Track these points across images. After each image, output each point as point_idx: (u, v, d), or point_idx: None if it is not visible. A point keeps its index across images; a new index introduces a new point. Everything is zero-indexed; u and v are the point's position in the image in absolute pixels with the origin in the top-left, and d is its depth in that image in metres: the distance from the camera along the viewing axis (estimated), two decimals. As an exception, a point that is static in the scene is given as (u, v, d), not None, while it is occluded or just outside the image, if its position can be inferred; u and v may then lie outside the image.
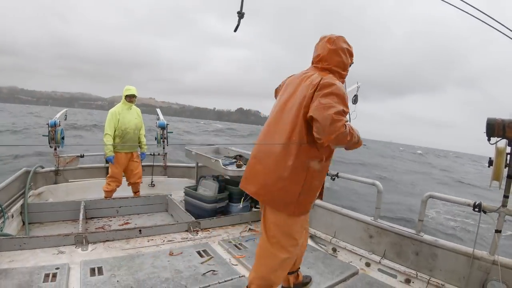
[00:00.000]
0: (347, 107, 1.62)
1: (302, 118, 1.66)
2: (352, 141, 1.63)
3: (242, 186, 1.92)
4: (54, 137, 4.18)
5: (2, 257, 2.44)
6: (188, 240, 3.09)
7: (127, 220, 3.79)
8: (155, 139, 5.13)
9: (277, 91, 2.14)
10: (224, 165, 3.63)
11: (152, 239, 3.04)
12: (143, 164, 4.63)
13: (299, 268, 2.22)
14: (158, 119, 5.11)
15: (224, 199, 3.83)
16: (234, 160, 3.94)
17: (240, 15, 1.58)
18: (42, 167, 4.32)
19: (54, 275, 2.20)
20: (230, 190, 3.90)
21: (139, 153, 4.50)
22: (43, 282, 2.11)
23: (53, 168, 4.37)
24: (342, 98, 1.61)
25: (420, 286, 2.43)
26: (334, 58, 1.79)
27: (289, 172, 1.66)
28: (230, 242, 3.07)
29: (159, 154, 5.09)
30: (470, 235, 8.25)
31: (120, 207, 3.92)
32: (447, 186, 18.56)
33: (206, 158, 4.04)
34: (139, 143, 4.45)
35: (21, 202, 3.49)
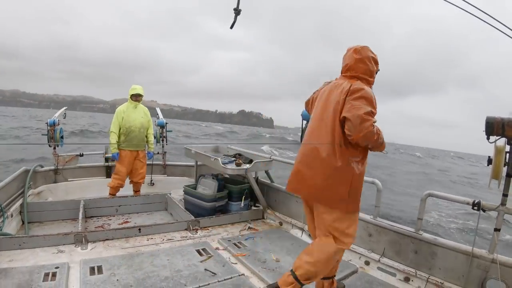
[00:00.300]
0: (375, 109, 1.82)
1: (339, 122, 1.85)
2: (378, 141, 1.84)
3: (291, 190, 2.08)
4: (53, 136, 4.18)
5: (1, 257, 2.44)
6: (187, 239, 3.09)
7: (127, 219, 3.79)
8: (154, 137, 5.13)
9: (307, 103, 2.32)
10: (224, 163, 3.63)
11: (152, 238, 3.04)
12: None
13: (334, 275, 2.18)
14: (158, 118, 5.11)
15: (223, 198, 3.83)
16: (233, 159, 3.93)
17: (237, 11, 1.57)
18: (42, 166, 4.32)
19: (54, 274, 2.20)
20: (229, 189, 3.90)
21: (146, 152, 4.51)
22: (43, 281, 2.11)
23: (52, 167, 4.37)
24: (370, 101, 1.80)
25: (419, 284, 2.43)
26: (360, 66, 1.95)
27: (338, 173, 1.84)
28: (230, 240, 3.07)
29: (158, 153, 5.09)
30: (470, 237, 8.26)
31: (119, 206, 3.92)
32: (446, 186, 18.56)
33: (205, 156, 4.04)
34: (147, 142, 4.47)
35: (20, 201, 3.49)
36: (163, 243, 2.97)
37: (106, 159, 4.79)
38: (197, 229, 3.32)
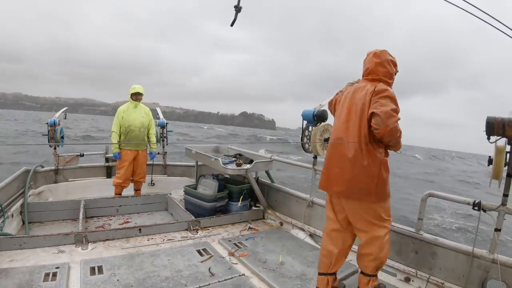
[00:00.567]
0: (398, 107, 1.97)
1: (366, 122, 1.98)
2: (399, 138, 2.00)
3: (323, 188, 2.23)
4: (54, 136, 4.18)
5: (2, 257, 2.44)
6: (188, 239, 3.09)
7: (127, 219, 3.79)
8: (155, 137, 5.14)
9: (330, 104, 2.42)
10: (224, 164, 3.63)
11: (152, 238, 3.04)
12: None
13: (336, 271, 2.22)
14: (158, 118, 5.12)
15: (224, 198, 3.83)
16: (233, 159, 3.93)
17: (237, 9, 1.56)
18: (42, 166, 4.32)
19: (54, 275, 2.20)
20: (229, 189, 3.90)
21: (148, 152, 4.52)
22: (43, 281, 2.11)
23: (53, 167, 4.37)
24: (394, 100, 1.96)
25: (420, 284, 2.43)
26: (380, 69, 2.08)
27: (365, 170, 1.98)
28: (230, 240, 3.07)
29: (158, 153, 5.09)
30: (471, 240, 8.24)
31: (120, 206, 3.92)
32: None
33: (205, 157, 4.04)
34: (148, 142, 4.47)
35: (21, 201, 3.49)
36: (163, 243, 2.97)
37: (107, 159, 4.79)
38: (197, 229, 3.32)
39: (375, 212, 2.06)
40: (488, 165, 2.10)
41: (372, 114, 1.94)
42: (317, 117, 3.17)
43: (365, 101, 2.00)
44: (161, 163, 5.17)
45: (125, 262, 2.49)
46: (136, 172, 4.39)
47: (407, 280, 2.50)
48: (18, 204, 3.41)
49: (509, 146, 2.02)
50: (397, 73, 2.17)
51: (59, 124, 4.26)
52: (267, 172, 4.14)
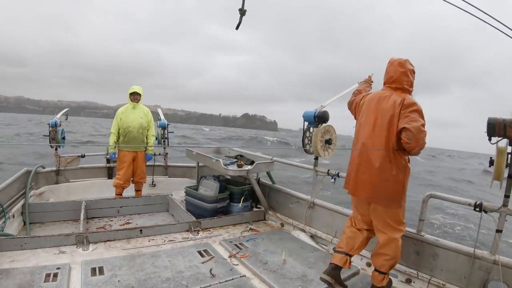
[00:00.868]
0: (425, 120, 2.06)
1: (395, 133, 2.08)
2: (423, 148, 2.08)
3: (352, 193, 2.35)
4: (55, 137, 4.20)
5: (3, 257, 2.44)
6: (189, 240, 3.09)
7: (128, 220, 3.79)
8: (156, 139, 5.14)
9: (350, 104, 2.53)
10: (225, 165, 3.63)
11: (153, 239, 3.04)
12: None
13: (352, 255, 2.34)
14: (159, 119, 5.12)
15: (225, 199, 3.83)
16: (235, 160, 3.94)
17: (242, 12, 1.56)
18: (43, 167, 4.33)
19: (55, 275, 2.20)
20: (231, 190, 3.90)
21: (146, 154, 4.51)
22: (44, 282, 2.11)
23: (54, 168, 4.38)
24: (422, 115, 2.06)
25: (421, 286, 2.42)
26: (404, 79, 2.19)
27: (393, 178, 2.11)
28: (231, 242, 3.07)
29: (159, 154, 5.09)
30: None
31: (121, 207, 3.92)
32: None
33: (207, 158, 4.05)
34: (146, 143, 4.47)
35: (22, 202, 3.50)
36: (164, 244, 2.97)
37: (108, 160, 4.81)
38: (198, 230, 3.32)
39: (396, 216, 2.21)
40: (490, 166, 2.10)
41: (403, 128, 2.03)
42: (319, 118, 3.17)
43: (394, 113, 2.09)
44: (162, 164, 5.17)
45: (126, 263, 2.49)
46: (136, 173, 4.40)
47: (408, 281, 2.49)
48: (19, 205, 3.42)
49: (511, 147, 2.02)
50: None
51: (60, 125, 4.28)
52: (268, 173, 4.14)
